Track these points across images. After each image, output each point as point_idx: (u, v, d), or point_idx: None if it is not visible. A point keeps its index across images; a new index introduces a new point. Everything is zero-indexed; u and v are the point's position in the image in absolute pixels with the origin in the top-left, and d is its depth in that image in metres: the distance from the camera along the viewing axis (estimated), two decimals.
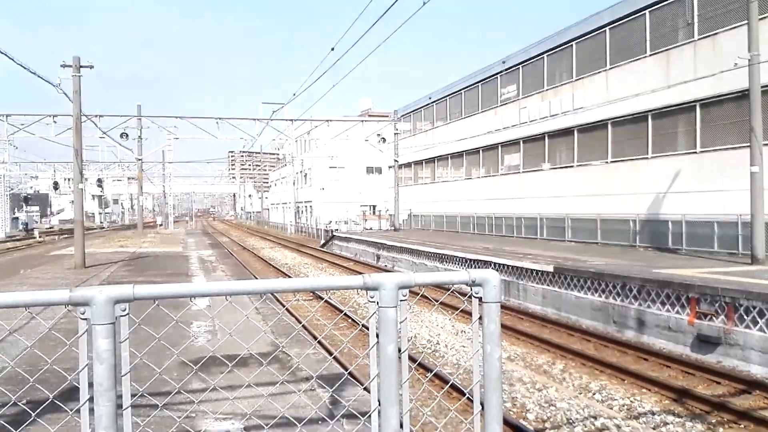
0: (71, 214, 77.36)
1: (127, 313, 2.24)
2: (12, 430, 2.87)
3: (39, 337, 8.24)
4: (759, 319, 10.88)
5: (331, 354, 7.70)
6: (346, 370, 6.78)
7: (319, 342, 7.95)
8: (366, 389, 6.12)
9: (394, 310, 2.42)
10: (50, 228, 72.63)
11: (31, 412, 2.69)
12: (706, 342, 11.84)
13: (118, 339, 2.25)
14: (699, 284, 12.26)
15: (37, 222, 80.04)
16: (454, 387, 9.31)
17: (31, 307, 2.24)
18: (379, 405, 2.44)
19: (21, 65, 16.74)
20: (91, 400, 2.16)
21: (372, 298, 2.44)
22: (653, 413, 8.75)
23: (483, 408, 2.53)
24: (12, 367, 5.87)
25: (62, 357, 2.86)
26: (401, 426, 2.46)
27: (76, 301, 2.21)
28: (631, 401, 9.31)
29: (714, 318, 11.79)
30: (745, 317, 11.15)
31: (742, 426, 8.13)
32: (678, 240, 20.83)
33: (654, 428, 8.15)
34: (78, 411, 2.21)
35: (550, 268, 17.11)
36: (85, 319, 2.21)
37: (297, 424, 3.65)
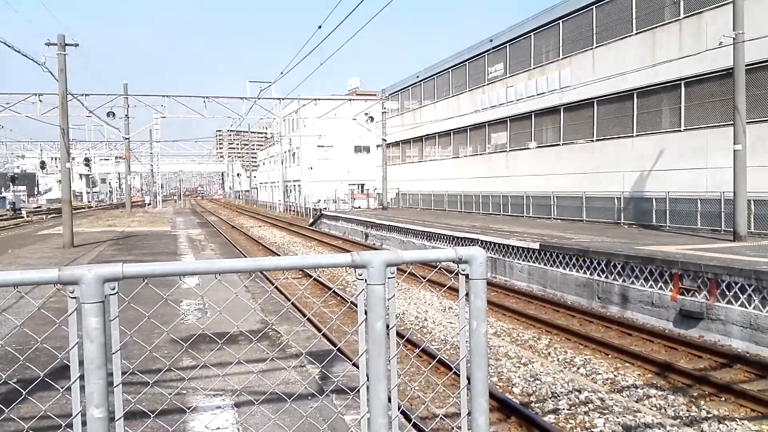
0: (58, 194, 76.73)
1: (116, 292, 2.26)
2: (3, 408, 2.90)
3: (28, 316, 8.23)
4: (740, 295, 11.09)
5: (320, 331, 7.77)
6: (335, 346, 6.85)
7: (308, 319, 8.00)
8: (355, 365, 6.20)
9: (382, 288, 2.46)
10: (38, 207, 71.95)
11: (22, 390, 2.71)
12: (688, 317, 12.06)
13: (108, 317, 2.27)
14: (682, 260, 12.44)
15: (24, 201, 79.26)
16: (441, 362, 9.44)
17: (20, 286, 2.25)
18: (368, 380, 2.49)
19: (5, 43, 16.46)
20: (81, 378, 2.19)
21: (360, 275, 2.48)
22: (636, 386, 8.94)
23: (469, 382, 2.59)
24: (2, 346, 5.88)
25: (51, 336, 2.87)
26: (389, 401, 2.52)
27: (65, 280, 2.22)
28: (614, 375, 9.50)
29: (696, 294, 11.99)
30: (727, 293, 11.35)
31: (722, 399, 8.34)
32: (662, 217, 21.06)
33: (637, 401, 8.34)
34: (69, 389, 2.23)
35: (536, 246, 17.26)
36: (75, 297, 2.22)
37: (287, 399, 3.71)
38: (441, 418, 6.74)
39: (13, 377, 3.88)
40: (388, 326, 2.51)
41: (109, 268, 2.23)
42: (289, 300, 13.67)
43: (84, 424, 2.16)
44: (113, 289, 2.25)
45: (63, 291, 2.22)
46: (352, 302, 13.14)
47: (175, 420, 4.45)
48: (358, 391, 2.57)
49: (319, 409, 4.69)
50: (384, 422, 2.46)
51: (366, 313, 2.50)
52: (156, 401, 4.78)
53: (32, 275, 2.25)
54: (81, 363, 2.17)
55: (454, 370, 8.04)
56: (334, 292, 15.62)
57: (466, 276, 2.54)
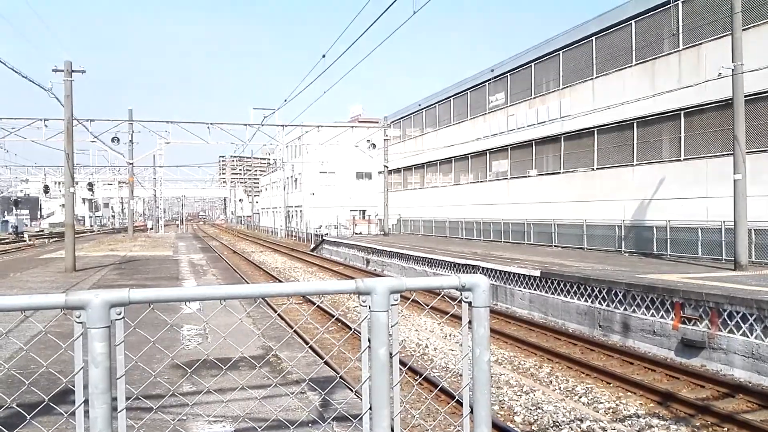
0: (61, 218, 76.65)
1: (123, 317, 2.28)
2: None
3: (30, 340, 8.21)
4: (742, 324, 11.05)
5: (322, 358, 7.75)
6: (338, 374, 6.83)
7: (310, 347, 7.99)
8: (356, 393, 6.18)
9: (386, 314, 2.48)
10: (40, 231, 71.99)
11: (26, 414, 2.73)
12: (690, 346, 12.00)
13: (114, 342, 2.29)
14: (683, 289, 12.42)
15: (27, 225, 79.39)
16: (443, 390, 9.38)
17: (27, 311, 2.28)
18: (370, 407, 2.50)
19: (12, 69, 16.67)
20: (86, 402, 2.20)
21: (364, 302, 2.51)
22: (638, 416, 8.87)
23: (472, 410, 2.59)
24: (6, 369, 5.87)
25: (52, 360, 2.89)
26: (392, 428, 2.53)
27: (72, 304, 2.24)
28: (616, 404, 9.43)
29: (698, 323, 11.95)
30: (729, 322, 11.31)
31: (725, 429, 8.27)
32: (662, 246, 21.06)
33: (639, 431, 8.27)
34: (73, 413, 2.24)
35: (537, 273, 17.24)
36: (81, 322, 2.24)
37: (290, 426, 3.70)
38: None
39: (15, 401, 3.88)
40: (391, 353, 2.53)
41: (115, 293, 2.26)
42: (290, 325, 13.64)
43: None
44: (119, 314, 2.27)
45: (68, 315, 2.25)
46: (355, 329, 13.10)
47: None
48: (361, 418, 2.58)
49: None
50: None
51: (369, 339, 2.52)
52: (156, 426, 4.77)
53: (39, 300, 2.27)
54: (85, 387, 2.19)
55: (457, 398, 7.98)
56: (337, 318, 15.56)
57: (469, 303, 2.56)
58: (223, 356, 7.10)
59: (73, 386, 2.21)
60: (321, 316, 17.13)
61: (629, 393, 9.99)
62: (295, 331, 12.54)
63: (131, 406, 4.31)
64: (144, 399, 3.12)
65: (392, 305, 2.53)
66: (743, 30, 15.86)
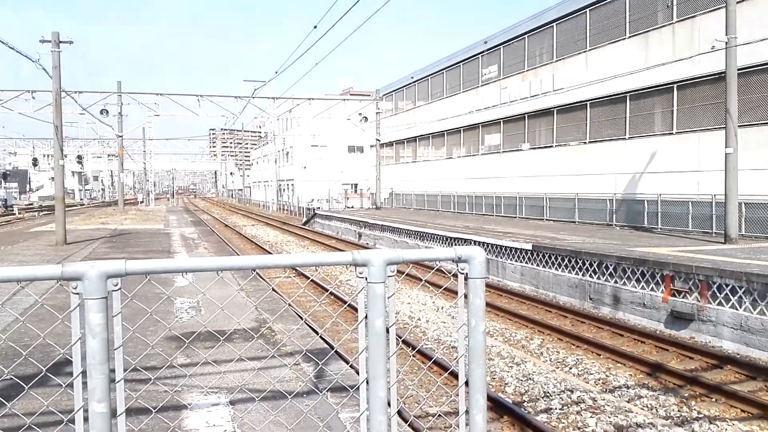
0: (50, 191, 76.17)
1: (119, 288, 2.28)
2: (5, 402, 2.91)
3: (23, 313, 8.21)
4: (731, 297, 11.19)
5: (317, 332, 7.81)
6: (332, 347, 6.88)
7: (305, 322, 8.04)
8: (352, 366, 6.24)
9: (383, 286, 2.49)
10: (29, 204, 71.50)
11: (24, 385, 2.73)
12: (679, 318, 12.16)
13: (110, 313, 2.28)
14: (673, 262, 12.54)
15: (16, 198, 78.78)
16: (437, 362, 9.48)
17: (23, 282, 2.27)
18: (368, 377, 2.52)
19: None
20: (83, 373, 2.20)
21: (361, 273, 2.51)
22: (628, 387, 9.01)
23: (467, 380, 2.62)
24: (4, 340, 5.87)
25: (49, 331, 2.90)
26: (388, 398, 2.55)
27: (68, 275, 2.23)
28: (606, 375, 9.57)
29: (688, 295, 12.09)
30: (718, 294, 11.46)
31: (713, 399, 8.42)
32: (654, 219, 21.20)
33: (628, 401, 8.41)
34: (71, 384, 2.25)
35: (529, 246, 17.34)
36: (77, 293, 2.23)
37: (287, 396, 3.74)
38: (438, 415, 6.79)
39: (12, 372, 3.89)
40: (387, 324, 2.54)
41: (112, 264, 2.25)
42: (282, 297, 13.69)
43: (86, 419, 2.18)
44: (116, 285, 2.27)
45: (65, 287, 2.24)
46: (350, 302, 13.18)
47: (174, 416, 4.48)
48: (357, 388, 2.60)
49: (315, 407, 4.72)
50: (383, 419, 2.49)
51: (366, 311, 2.53)
52: (151, 398, 4.80)
53: (36, 271, 2.26)
54: (83, 359, 2.19)
55: (452, 369, 8.10)
56: (331, 293, 15.62)
57: (465, 275, 2.58)
58: (217, 328, 7.13)
59: (71, 357, 2.22)
60: (314, 289, 17.20)
61: (619, 364, 10.14)
62: (289, 305, 12.60)
63: (127, 377, 4.33)
64: (141, 370, 3.13)
65: (389, 277, 2.54)
66: (737, 3, 15.76)
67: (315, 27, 19.15)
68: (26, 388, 2.69)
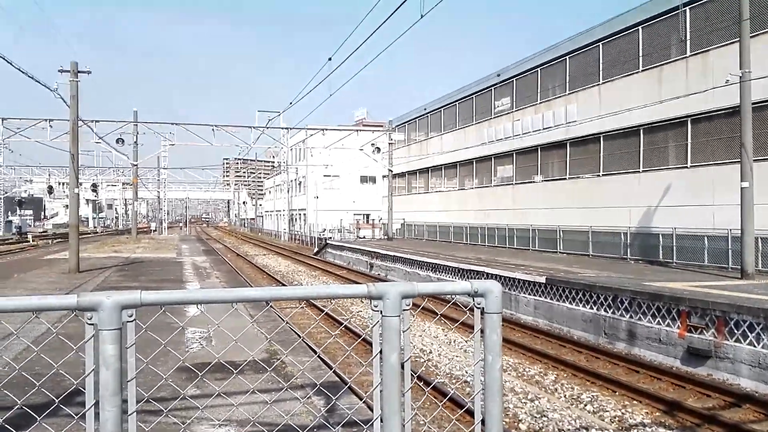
0: (65, 218, 76.75)
1: (134, 319, 2.27)
2: None
3: (34, 342, 8.21)
4: (749, 333, 10.98)
5: (330, 367, 7.73)
6: (345, 383, 6.80)
7: (318, 356, 7.98)
8: (362, 399, 6.15)
9: (398, 320, 2.46)
10: (44, 232, 72.20)
11: (36, 416, 2.71)
12: (696, 355, 11.93)
13: (125, 344, 2.27)
14: (689, 297, 12.36)
15: (30, 226, 79.66)
16: (452, 399, 9.34)
17: (38, 312, 2.26)
18: (381, 414, 2.47)
19: (19, 69, 16.74)
20: (96, 404, 2.18)
21: (376, 306, 2.48)
22: (644, 425, 8.81)
23: (483, 418, 2.57)
24: (15, 370, 5.86)
25: (58, 362, 2.88)
26: None
27: (83, 306, 2.23)
28: (622, 413, 9.37)
29: (704, 331, 11.88)
30: (735, 331, 11.25)
31: None
32: (668, 253, 20.99)
33: None
34: (83, 416, 2.23)
35: (542, 279, 17.19)
36: (92, 324, 2.23)
37: (299, 430, 3.68)
38: None
39: (24, 402, 3.88)
40: (402, 359, 2.50)
41: (127, 295, 2.25)
42: (293, 329, 13.61)
43: None
44: (131, 316, 2.26)
45: (80, 317, 2.23)
46: (366, 335, 13.07)
47: None
48: (372, 424, 2.56)
49: None
50: None
51: (381, 345, 2.50)
52: (161, 429, 4.75)
53: (51, 301, 2.27)
54: (95, 390, 2.17)
55: (468, 406, 7.95)
56: (345, 327, 15.51)
57: (482, 310, 2.54)
58: (228, 359, 7.08)
59: (83, 388, 2.20)
60: (324, 320, 17.10)
61: (635, 401, 9.93)
62: (302, 338, 12.53)
63: (138, 409, 4.29)
64: (153, 402, 3.10)
65: (404, 310, 2.51)
66: (751, 37, 15.83)
67: (329, 59, 19.44)
68: (38, 419, 2.67)
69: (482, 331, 2.57)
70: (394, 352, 2.46)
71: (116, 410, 2.19)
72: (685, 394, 10.37)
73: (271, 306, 14.67)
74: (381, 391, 2.48)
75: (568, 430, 8.55)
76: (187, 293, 2.45)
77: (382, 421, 2.48)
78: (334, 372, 7.24)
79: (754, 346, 10.84)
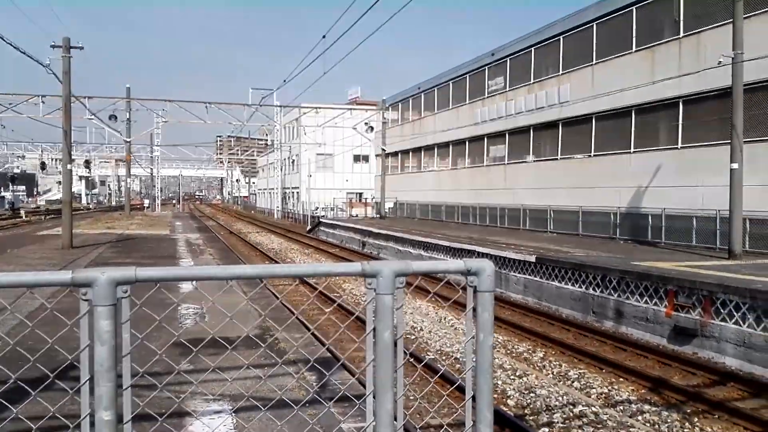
0: (58, 195, 76.21)
1: (129, 295, 2.28)
2: (10, 407, 2.92)
3: (27, 317, 8.22)
4: (735, 313, 11.15)
5: (323, 344, 7.81)
6: (338, 360, 6.87)
7: (312, 333, 8.04)
8: (358, 379, 6.23)
9: (391, 297, 2.49)
10: (36, 208, 71.79)
11: (31, 390, 2.74)
12: (682, 334, 12.11)
13: (120, 320, 2.29)
14: (677, 277, 12.51)
15: (23, 202, 79.15)
16: (443, 375, 9.46)
17: (33, 288, 2.28)
18: (374, 389, 2.52)
19: (10, 44, 16.50)
20: (91, 380, 2.21)
21: (370, 284, 2.51)
22: (630, 402, 8.97)
23: (474, 394, 2.62)
24: (12, 345, 5.89)
25: (53, 336, 2.91)
26: (395, 410, 2.55)
27: (78, 282, 2.24)
28: (608, 389, 9.54)
29: (691, 310, 12.05)
30: (722, 310, 11.41)
31: (716, 416, 8.37)
32: (657, 233, 21.16)
33: (631, 416, 8.37)
34: (78, 391, 2.25)
35: (532, 259, 17.32)
36: (87, 300, 2.24)
37: (293, 405, 3.74)
38: (443, 428, 6.76)
39: (18, 377, 3.90)
40: (395, 336, 2.54)
41: (122, 271, 2.26)
42: (294, 313, 13.69)
43: (92, 425, 2.18)
44: (125, 292, 2.27)
45: (74, 293, 2.25)
46: (358, 313, 13.16)
47: (178, 424, 4.48)
48: (364, 399, 2.60)
49: (317, 417, 4.71)
50: (390, 431, 2.49)
51: (374, 322, 2.53)
52: (154, 404, 4.80)
53: (46, 277, 2.28)
54: (90, 365, 2.19)
55: (459, 383, 8.08)
56: (339, 305, 15.59)
57: (474, 288, 2.58)
58: (221, 335, 7.12)
59: (78, 363, 2.22)
60: (317, 297, 17.18)
61: (621, 379, 10.09)
62: (296, 315, 12.60)
63: (133, 383, 4.33)
64: (148, 377, 3.14)
65: (398, 288, 2.54)
66: (744, 18, 15.81)
67: (323, 37, 19.27)
68: (33, 393, 2.70)
69: (474, 310, 2.61)
70: (387, 329, 2.50)
71: (111, 385, 2.22)
72: (671, 371, 10.55)
73: (264, 284, 14.74)
74: (374, 368, 2.52)
75: (556, 406, 8.70)
76: (183, 270, 2.47)
77: (374, 396, 2.52)
78: (327, 349, 7.31)
79: (740, 326, 11.01)
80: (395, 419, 2.53)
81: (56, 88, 21.31)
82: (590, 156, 25.57)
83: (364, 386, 2.63)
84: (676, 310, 12.36)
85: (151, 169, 72.69)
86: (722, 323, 11.36)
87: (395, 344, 2.55)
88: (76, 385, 2.30)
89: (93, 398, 2.18)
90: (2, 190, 75.14)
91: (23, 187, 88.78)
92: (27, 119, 36.29)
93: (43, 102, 33.83)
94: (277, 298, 11.14)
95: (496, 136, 33.05)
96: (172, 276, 2.44)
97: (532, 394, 9.18)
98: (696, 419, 8.28)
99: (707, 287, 11.76)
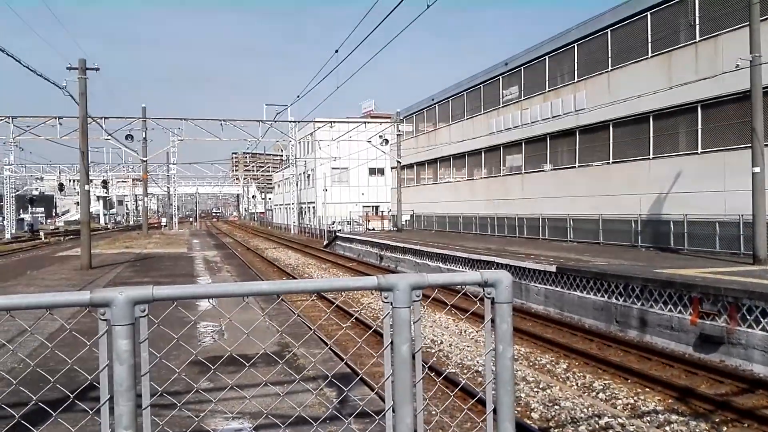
0: (76, 216, 77.22)
1: (147, 314, 2.29)
2: (32, 428, 2.93)
3: (49, 337, 8.29)
4: (762, 319, 10.92)
5: (342, 359, 7.77)
6: (357, 374, 6.83)
7: (330, 348, 8.02)
8: (373, 389, 6.18)
9: (408, 311, 2.47)
10: (55, 229, 72.79)
11: (51, 411, 2.74)
12: (708, 341, 11.88)
13: (138, 339, 2.29)
14: (701, 284, 12.30)
15: (42, 223, 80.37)
16: (463, 389, 9.36)
17: (52, 309, 2.29)
18: (393, 404, 2.49)
19: (27, 67, 16.85)
20: (110, 399, 2.20)
21: (386, 298, 2.49)
22: (657, 412, 8.80)
23: (494, 407, 2.57)
24: (32, 366, 5.93)
25: (74, 357, 2.92)
26: (415, 424, 2.51)
27: (96, 302, 2.25)
28: (634, 400, 9.36)
29: (716, 318, 11.83)
30: (748, 317, 11.19)
31: (745, 425, 8.18)
32: (680, 240, 20.87)
33: (658, 427, 8.20)
34: (98, 411, 2.25)
35: (553, 269, 17.15)
36: (105, 320, 2.25)
37: (313, 422, 3.71)
38: None
39: (39, 398, 3.92)
40: (413, 350, 2.51)
41: (139, 290, 2.26)
42: (303, 320, 13.67)
43: None
44: (143, 311, 2.28)
45: (93, 313, 2.25)
46: (377, 326, 13.12)
47: None
48: (384, 414, 2.57)
49: None
50: None
51: (391, 336, 2.51)
52: (174, 423, 4.79)
53: (65, 297, 2.29)
54: (110, 385, 2.19)
55: (480, 395, 7.94)
56: (356, 319, 15.55)
57: (492, 299, 2.54)
58: (240, 353, 7.12)
59: (97, 383, 2.22)
60: (335, 312, 17.16)
61: (647, 389, 9.91)
62: (313, 331, 12.58)
63: (152, 403, 4.33)
64: (167, 395, 3.13)
65: (414, 301, 2.51)
66: (761, 20, 15.65)
67: (336, 51, 19.41)
68: (54, 415, 2.70)
69: (493, 321, 2.57)
70: (405, 342, 2.47)
71: (131, 404, 2.22)
72: (698, 380, 10.34)
73: (282, 299, 14.74)
74: (392, 382, 2.49)
75: (581, 418, 8.56)
76: (199, 287, 2.47)
77: (394, 411, 2.49)
78: (346, 363, 7.27)
79: (767, 332, 10.77)
80: None
81: (73, 110, 21.69)
82: (609, 163, 25.36)
83: (384, 401, 2.60)
84: (701, 318, 12.14)
85: (168, 187, 73.49)
86: (749, 330, 11.13)
87: (413, 357, 2.52)
88: (95, 406, 2.30)
89: (113, 418, 2.18)
90: (21, 212, 76.39)
91: (42, 209, 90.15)
92: (45, 141, 36.96)
93: (60, 124, 34.44)
94: (295, 313, 11.13)
95: (512, 146, 32.93)
96: (188, 294, 2.44)
97: (556, 407, 9.04)
98: (725, 428, 8.09)
99: (732, 293, 11.54)
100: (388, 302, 2.49)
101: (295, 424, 4.83)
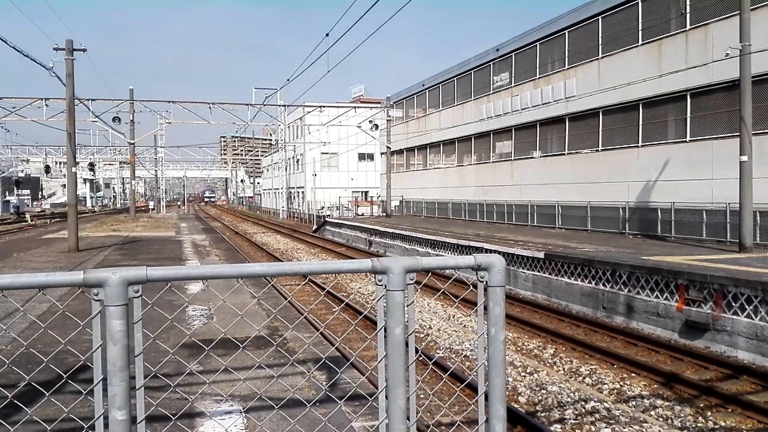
0: (63, 198, 76.54)
1: (140, 295, 2.28)
2: (25, 408, 2.93)
3: (39, 317, 8.25)
4: (746, 306, 11.08)
5: (333, 344, 7.81)
6: (348, 359, 6.87)
7: (320, 333, 8.04)
8: (368, 377, 6.22)
9: (402, 294, 2.48)
10: (41, 212, 72.17)
11: (44, 391, 2.75)
12: (694, 328, 12.04)
13: (131, 320, 2.29)
14: (687, 271, 12.44)
15: (28, 205, 79.62)
16: (453, 373, 9.44)
17: (44, 288, 2.28)
18: (387, 386, 2.51)
19: (14, 48, 16.58)
20: (104, 380, 2.21)
21: (380, 281, 2.50)
22: (642, 397, 8.93)
23: (486, 389, 2.60)
24: (25, 347, 5.91)
25: (65, 338, 2.92)
26: (407, 406, 2.54)
27: (90, 282, 2.24)
28: (620, 385, 9.49)
29: (702, 304, 11.98)
30: (733, 304, 11.34)
31: (729, 410, 8.32)
32: (667, 227, 21.05)
33: (643, 411, 8.33)
34: (92, 391, 2.25)
35: (541, 255, 17.26)
36: (99, 300, 2.24)
37: (306, 403, 3.73)
38: (456, 425, 6.75)
39: (32, 378, 3.92)
40: (406, 333, 2.53)
41: (133, 271, 2.26)
42: (303, 312, 13.70)
43: (106, 426, 2.18)
44: (137, 291, 2.27)
45: (87, 293, 2.25)
46: (370, 310, 13.18)
47: (189, 424, 4.48)
48: (376, 397, 2.59)
49: (328, 416, 4.70)
50: (402, 428, 2.48)
51: (385, 319, 2.52)
52: (165, 405, 4.80)
53: (58, 278, 2.28)
54: (103, 365, 2.19)
55: (470, 380, 8.05)
56: (347, 304, 15.59)
57: (485, 283, 2.56)
58: (231, 336, 7.13)
59: (91, 364, 2.22)
60: (326, 297, 17.18)
61: (633, 374, 10.04)
62: (304, 316, 12.61)
63: (145, 384, 4.34)
64: (161, 377, 3.14)
65: (408, 284, 2.53)
66: (751, 9, 15.70)
67: (327, 35, 19.24)
68: (47, 395, 2.70)
69: (486, 304, 2.59)
70: (399, 325, 2.49)
71: (124, 385, 2.22)
72: (683, 366, 10.49)
73: (272, 284, 14.74)
74: (386, 364, 2.51)
75: (567, 402, 8.66)
76: (193, 269, 2.47)
77: (386, 393, 2.51)
78: (336, 348, 7.30)
79: (752, 319, 10.94)
80: (407, 416, 2.52)
81: (60, 91, 21.41)
82: (598, 151, 25.46)
83: (374, 385, 2.63)
84: (687, 305, 12.29)
85: (155, 170, 72.95)
86: (734, 317, 11.29)
87: (406, 341, 2.54)
88: (88, 386, 2.30)
89: (106, 398, 2.18)
90: (7, 194, 75.57)
91: (28, 191, 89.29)
92: (31, 123, 36.51)
93: (46, 105, 34.03)
94: (286, 297, 11.15)
95: (502, 132, 32.96)
96: (182, 275, 2.43)
97: (543, 391, 9.15)
98: (709, 413, 8.23)
99: (718, 281, 11.68)
100: (381, 285, 2.50)
101: (287, 406, 4.86)
